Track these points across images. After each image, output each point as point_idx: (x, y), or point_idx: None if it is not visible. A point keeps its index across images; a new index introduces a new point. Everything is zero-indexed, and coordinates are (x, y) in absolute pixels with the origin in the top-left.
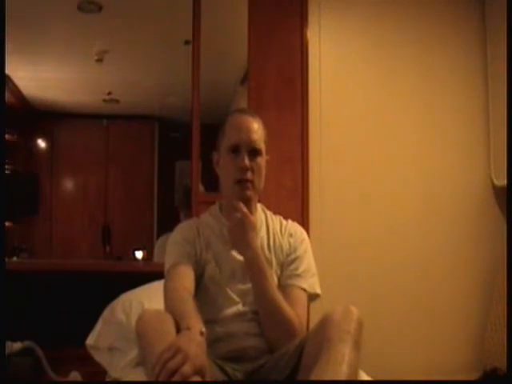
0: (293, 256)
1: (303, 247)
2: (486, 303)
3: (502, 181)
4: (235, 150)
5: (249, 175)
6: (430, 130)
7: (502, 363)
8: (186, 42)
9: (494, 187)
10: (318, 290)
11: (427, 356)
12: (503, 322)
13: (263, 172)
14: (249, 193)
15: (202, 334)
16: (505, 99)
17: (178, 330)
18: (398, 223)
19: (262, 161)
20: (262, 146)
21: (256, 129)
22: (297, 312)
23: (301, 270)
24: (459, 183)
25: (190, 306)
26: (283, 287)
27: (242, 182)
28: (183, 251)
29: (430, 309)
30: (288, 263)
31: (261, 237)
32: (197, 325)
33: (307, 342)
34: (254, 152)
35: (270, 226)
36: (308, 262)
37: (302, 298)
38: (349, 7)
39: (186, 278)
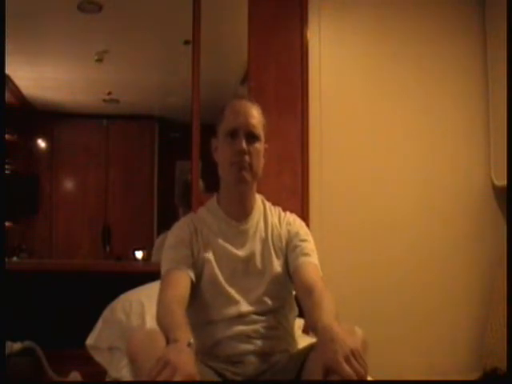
0: (296, 241)
1: (303, 231)
2: (486, 303)
3: (502, 181)
4: (233, 134)
5: (246, 158)
6: (431, 129)
7: (502, 363)
8: (186, 42)
9: (494, 187)
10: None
11: (427, 356)
12: (503, 322)
13: (261, 157)
14: (245, 173)
15: (189, 345)
16: (505, 100)
17: (168, 343)
18: (398, 223)
19: (260, 146)
20: (260, 131)
21: (254, 114)
22: (321, 286)
23: (307, 250)
24: (459, 183)
25: (178, 318)
26: (296, 269)
27: (238, 163)
28: (178, 256)
29: (430, 308)
30: (292, 248)
31: (259, 228)
32: (184, 336)
33: (310, 351)
34: (252, 137)
35: (268, 216)
36: (311, 247)
37: (318, 270)
38: (348, 8)
39: (177, 287)
